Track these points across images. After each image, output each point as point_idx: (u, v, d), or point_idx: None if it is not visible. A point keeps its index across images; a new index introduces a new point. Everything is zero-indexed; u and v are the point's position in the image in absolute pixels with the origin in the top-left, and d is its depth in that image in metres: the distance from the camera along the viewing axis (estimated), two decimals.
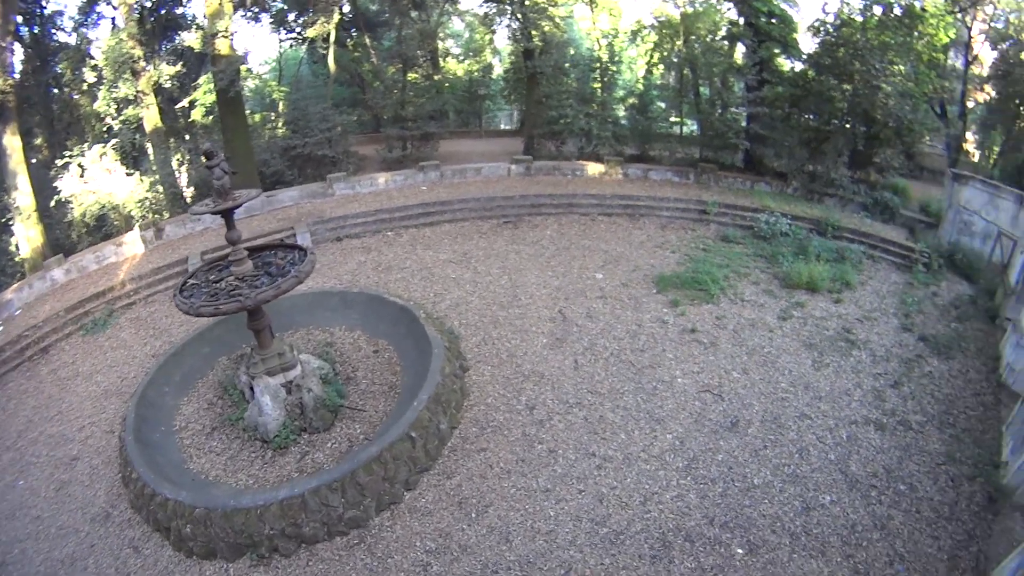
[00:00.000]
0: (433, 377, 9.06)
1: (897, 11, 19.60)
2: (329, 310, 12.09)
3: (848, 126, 20.49)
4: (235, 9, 20.85)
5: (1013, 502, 8.36)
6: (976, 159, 27.58)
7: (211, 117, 23.86)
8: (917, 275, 16.30)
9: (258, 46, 62.78)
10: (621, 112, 25.10)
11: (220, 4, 18.40)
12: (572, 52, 24.94)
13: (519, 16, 21.96)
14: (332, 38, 24.48)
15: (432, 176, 20.28)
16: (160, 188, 19.50)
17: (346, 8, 27.30)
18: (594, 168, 21.23)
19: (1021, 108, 22.46)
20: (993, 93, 24.86)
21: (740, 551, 7.31)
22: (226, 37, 18.61)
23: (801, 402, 10.39)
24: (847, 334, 12.94)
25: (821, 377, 11.20)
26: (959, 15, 24.54)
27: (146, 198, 18.62)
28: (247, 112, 23.46)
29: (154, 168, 20.04)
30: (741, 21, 21.85)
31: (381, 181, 19.78)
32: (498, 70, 34.21)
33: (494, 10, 24.30)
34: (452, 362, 10.01)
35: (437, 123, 25.33)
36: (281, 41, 30.51)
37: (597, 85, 23.60)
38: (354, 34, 29.31)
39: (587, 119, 21.98)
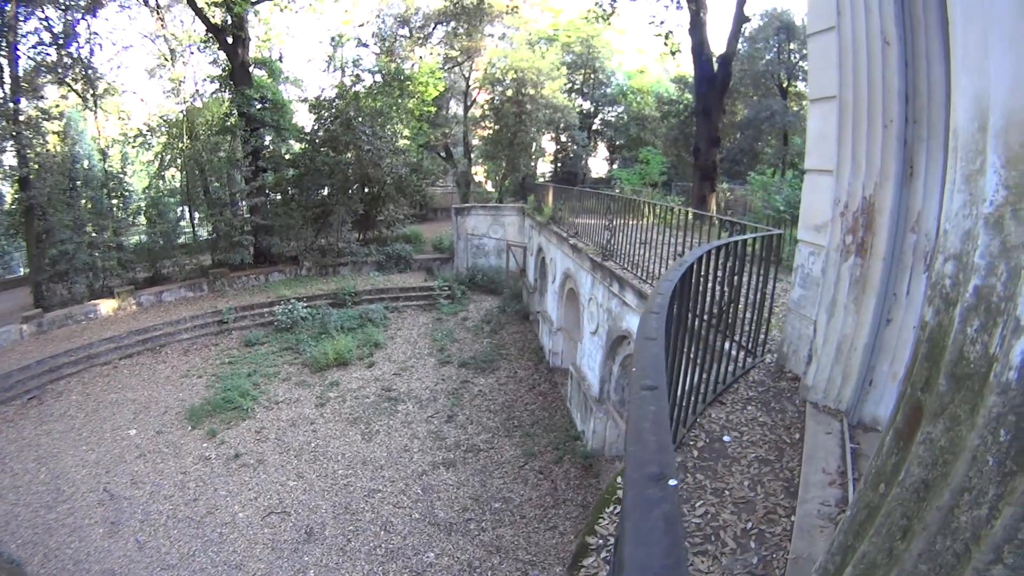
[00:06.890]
0: None
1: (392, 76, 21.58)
2: None
3: (349, 193, 21.52)
4: None
5: (606, 456, 9.51)
6: (489, 187, 33.45)
7: None
8: (443, 309, 18.23)
9: None
10: (143, 226, 21.56)
11: None
12: (85, 167, 19.88)
13: (13, 135, 16.68)
14: None
15: None
16: None
17: None
18: (108, 305, 18.18)
19: (513, 137, 27.54)
20: (493, 127, 29.65)
21: None
22: None
23: (365, 480, 10.57)
24: (388, 393, 13.48)
25: (375, 446, 11.56)
26: (457, 69, 29.60)
27: None
28: None
29: None
30: (235, 112, 21.06)
31: None
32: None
33: None
34: None
35: None
36: None
37: (111, 202, 19.91)
38: None
39: (88, 250, 18.26)
